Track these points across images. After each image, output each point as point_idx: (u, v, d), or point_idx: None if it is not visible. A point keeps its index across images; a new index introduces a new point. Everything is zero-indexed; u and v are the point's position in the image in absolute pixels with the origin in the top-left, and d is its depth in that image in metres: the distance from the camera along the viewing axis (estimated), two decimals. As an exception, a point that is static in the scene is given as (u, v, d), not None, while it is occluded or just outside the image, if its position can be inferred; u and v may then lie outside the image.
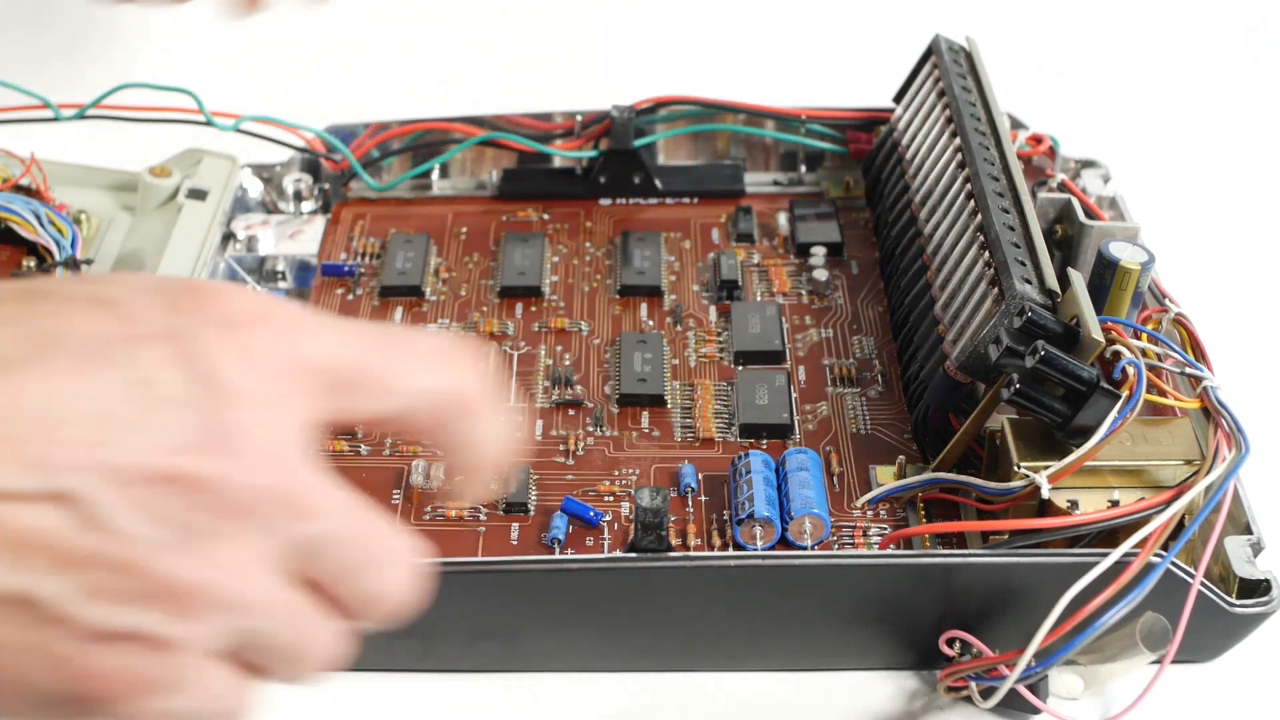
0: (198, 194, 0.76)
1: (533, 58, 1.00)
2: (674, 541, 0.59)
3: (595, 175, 0.79)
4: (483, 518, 0.62)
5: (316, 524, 0.41)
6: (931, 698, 0.60)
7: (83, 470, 0.38)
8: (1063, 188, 0.74)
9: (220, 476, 0.39)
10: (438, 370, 0.43)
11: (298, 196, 0.80)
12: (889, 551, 0.59)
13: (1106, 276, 0.63)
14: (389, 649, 0.59)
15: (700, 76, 0.81)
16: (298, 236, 0.77)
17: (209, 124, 0.75)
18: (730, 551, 0.60)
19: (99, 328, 0.39)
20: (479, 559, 0.57)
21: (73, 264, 0.68)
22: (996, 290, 0.62)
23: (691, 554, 0.57)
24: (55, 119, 0.75)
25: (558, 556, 0.57)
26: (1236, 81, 0.99)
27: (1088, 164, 0.79)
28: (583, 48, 1.01)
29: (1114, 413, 0.58)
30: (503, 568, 0.57)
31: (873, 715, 0.60)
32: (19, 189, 0.72)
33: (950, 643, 0.58)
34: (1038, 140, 0.76)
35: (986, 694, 0.57)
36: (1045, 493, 0.58)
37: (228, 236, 0.76)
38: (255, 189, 0.80)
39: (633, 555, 0.57)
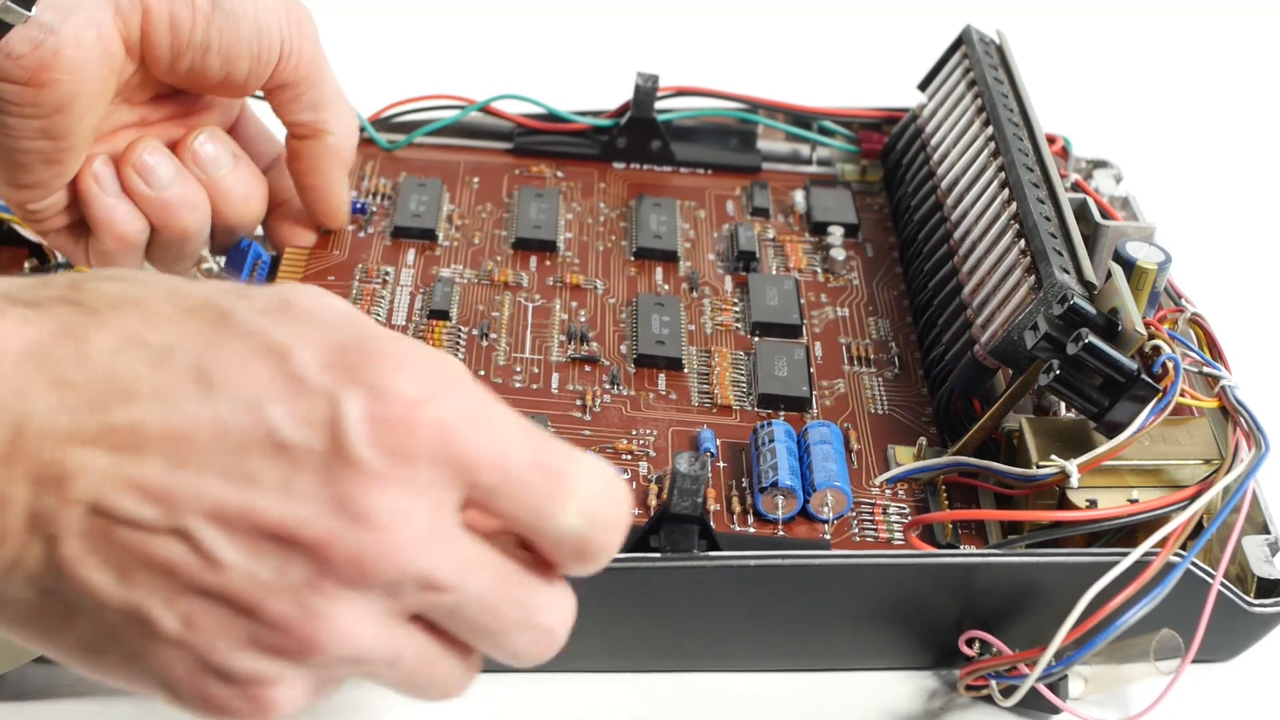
0: None
1: (549, 55, 0.96)
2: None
3: (614, 139, 0.74)
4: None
5: (444, 596, 0.40)
6: (950, 697, 0.56)
7: (200, 512, 0.38)
8: (1076, 188, 0.70)
9: (326, 545, 0.38)
10: (587, 516, 0.41)
11: None
12: (909, 551, 0.55)
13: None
14: None
15: (714, 74, 0.77)
16: None
17: None
18: (751, 524, 0.56)
19: (262, 381, 0.39)
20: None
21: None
22: (1033, 278, 0.59)
23: (711, 553, 0.53)
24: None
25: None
26: (1243, 80, 0.97)
27: (1100, 164, 0.75)
28: (589, 47, 0.97)
29: (1150, 406, 0.54)
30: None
31: (892, 715, 0.56)
32: None
33: (970, 642, 0.55)
34: (1051, 140, 0.72)
35: (1007, 693, 0.54)
36: (1075, 480, 0.54)
37: None
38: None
39: (654, 555, 0.53)
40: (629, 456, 0.58)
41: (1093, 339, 0.54)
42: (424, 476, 0.39)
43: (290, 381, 0.39)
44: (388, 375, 0.39)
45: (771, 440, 0.57)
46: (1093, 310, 0.56)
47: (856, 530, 0.57)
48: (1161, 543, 0.53)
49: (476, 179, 0.73)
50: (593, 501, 0.41)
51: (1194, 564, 0.53)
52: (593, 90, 0.78)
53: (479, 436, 0.39)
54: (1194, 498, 0.54)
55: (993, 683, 0.54)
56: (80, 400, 0.39)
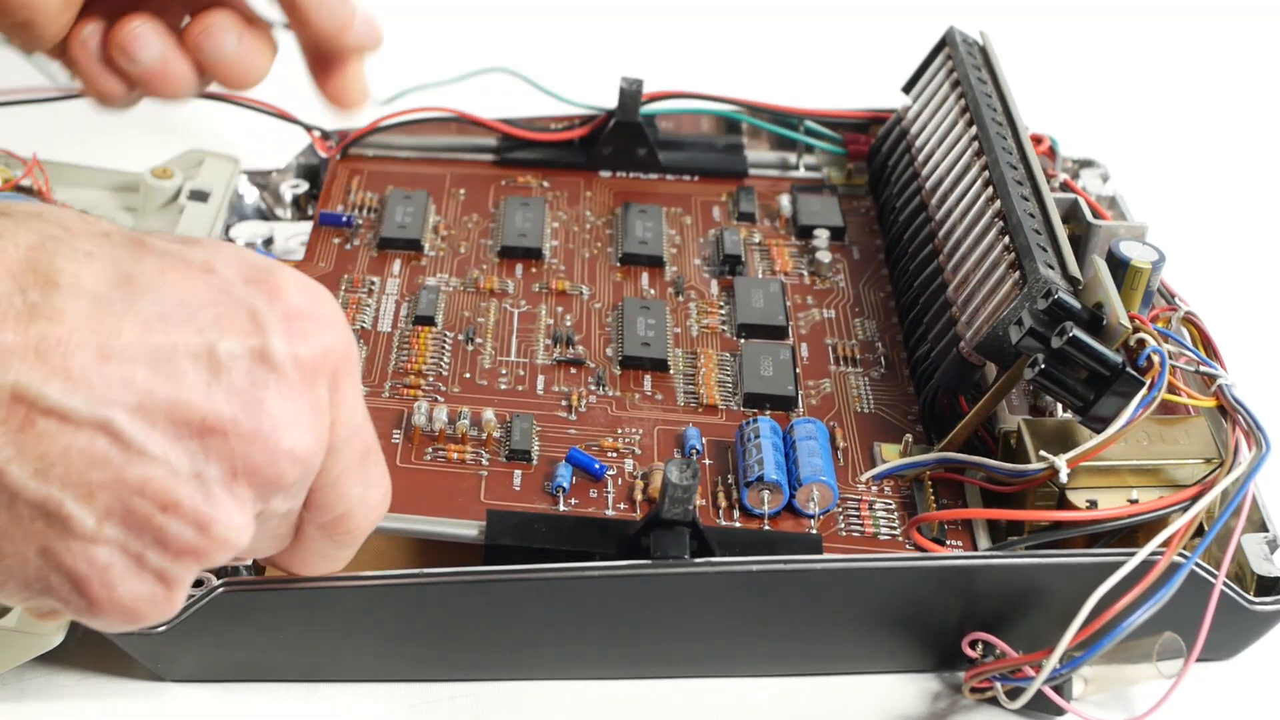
0: (199, 195, 0.70)
1: (532, 61, 0.95)
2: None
3: (600, 145, 0.74)
4: (485, 462, 0.57)
5: (324, 514, 0.45)
6: (954, 699, 0.56)
7: (125, 405, 0.39)
8: (1065, 188, 0.70)
9: (248, 443, 0.40)
10: (366, 507, 0.46)
11: (295, 204, 0.74)
12: (911, 554, 0.54)
13: (1117, 276, 0.59)
14: (390, 659, 0.55)
15: (698, 79, 0.77)
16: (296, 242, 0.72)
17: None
18: (737, 519, 0.56)
19: (194, 292, 0.40)
20: (488, 569, 0.52)
21: None
22: (1018, 274, 0.58)
23: (712, 559, 0.52)
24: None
25: (572, 565, 0.52)
26: (1227, 79, 0.97)
27: (1086, 163, 0.74)
28: (573, 52, 0.96)
29: (1137, 399, 0.53)
30: (518, 576, 0.52)
31: (896, 718, 0.55)
32: (20, 189, 0.66)
33: (973, 644, 0.54)
34: (1037, 140, 0.72)
35: (1013, 695, 0.53)
36: (1064, 476, 0.54)
37: None
38: (251, 195, 0.74)
39: (651, 562, 0.52)
40: (614, 454, 0.58)
41: (1077, 332, 0.54)
42: (322, 393, 0.42)
43: (218, 292, 0.40)
44: (297, 297, 0.42)
45: (757, 436, 0.57)
46: (1077, 304, 0.55)
47: (843, 525, 0.56)
48: (1165, 543, 0.52)
49: (463, 190, 0.73)
50: (384, 500, 0.46)
51: (1197, 564, 0.52)
52: (578, 95, 0.77)
53: (354, 382, 0.43)
54: (1196, 498, 0.53)
55: (998, 685, 0.53)
56: (1, 286, 0.38)
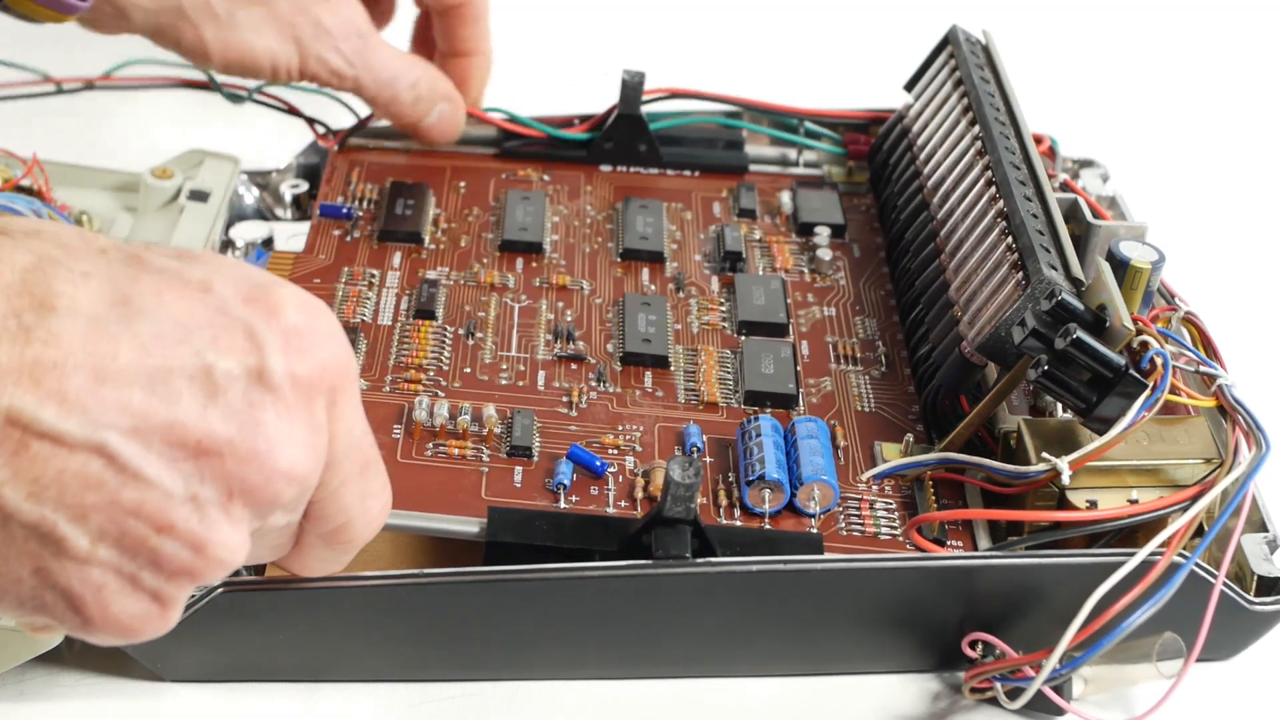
0: (199, 196, 0.70)
1: (535, 60, 0.94)
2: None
3: (602, 140, 0.73)
4: (485, 458, 0.56)
5: (324, 525, 0.45)
6: (954, 699, 0.55)
7: (121, 428, 0.38)
8: (1065, 188, 0.69)
9: (244, 463, 0.40)
10: (366, 522, 0.46)
11: (295, 204, 0.74)
12: (911, 555, 0.54)
13: (1117, 276, 0.58)
14: (390, 659, 0.54)
15: (699, 76, 0.76)
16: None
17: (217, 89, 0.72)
18: (738, 517, 0.55)
19: (191, 312, 0.40)
20: (488, 569, 0.52)
21: None
22: (1020, 275, 0.57)
23: (712, 559, 0.52)
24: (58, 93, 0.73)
25: (573, 565, 0.52)
26: (1227, 79, 0.96)
27: (1086, 163, 0.74)
28: (574, 51, 0.96)
29: (1140, 401, 0.53)
30: (518, 576, 0.52)
31: (896, 718, 0.55)
32: (20, 189, 0.66)
33: (973, 644, 0.54)
34: (1037, 140, 0.71)
35: (1013, 695, 0.53)
36: (1066, 478, 0.53)
37: (227, 245, 0.70)
38: (251, 195, 0.74)
39: (652, 561, 0.52)
40: (615, 451, 0.57)
41: (1080, 334, 0.53)
42: (320, 410, 0.41)
43: (215, 312, 0.40)
44: (295, 315, 0.41)
45: (759, 434, 0.56)
46: (1081, 306, 0.55)
47: (843, 525, 0.55)
48: (1165, 543, 0.52)
49: (463, 183, 0.72)
50: (383, 510, 0.46)
51: (1197, 564, 0.52)
52: (578, 93, 0.77)
53: (353, 397, 0.43)
54: (1196, 498, 0.53)
55: (998, 685, 0.53)
56: None
